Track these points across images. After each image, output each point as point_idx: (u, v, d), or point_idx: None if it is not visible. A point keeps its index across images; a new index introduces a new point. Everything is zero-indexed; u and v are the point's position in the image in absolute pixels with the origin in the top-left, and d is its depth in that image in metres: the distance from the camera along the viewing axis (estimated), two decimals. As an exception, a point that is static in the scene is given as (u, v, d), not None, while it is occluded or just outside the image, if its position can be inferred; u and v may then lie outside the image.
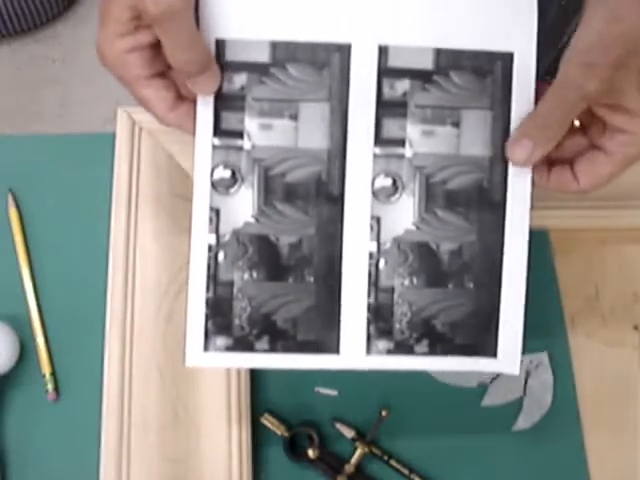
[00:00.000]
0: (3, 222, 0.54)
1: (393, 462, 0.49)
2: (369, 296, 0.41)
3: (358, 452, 0.48)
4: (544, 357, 0.52)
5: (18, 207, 0.55)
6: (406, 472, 0.49)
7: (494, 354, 0.42)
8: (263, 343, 0.41)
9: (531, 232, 0.41)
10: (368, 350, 0.41)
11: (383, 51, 0.40)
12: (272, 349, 0.41)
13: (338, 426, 0.50)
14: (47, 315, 0.52)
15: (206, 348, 0.41)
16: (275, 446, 0.49)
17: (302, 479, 0.49)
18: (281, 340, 0.41)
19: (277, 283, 0.41)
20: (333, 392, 0.51)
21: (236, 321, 0.41)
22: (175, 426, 0.46)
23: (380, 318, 0.41)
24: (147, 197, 0.51)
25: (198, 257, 0.40)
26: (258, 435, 0.49)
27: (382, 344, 0.41)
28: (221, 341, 0.41)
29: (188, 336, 0.40)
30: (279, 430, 0.49)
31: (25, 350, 0.51)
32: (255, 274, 0.41)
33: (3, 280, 0.53)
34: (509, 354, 0.42)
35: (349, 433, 0.49)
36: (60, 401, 0.50)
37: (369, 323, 0.41)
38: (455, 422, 0.51)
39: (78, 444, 0.48)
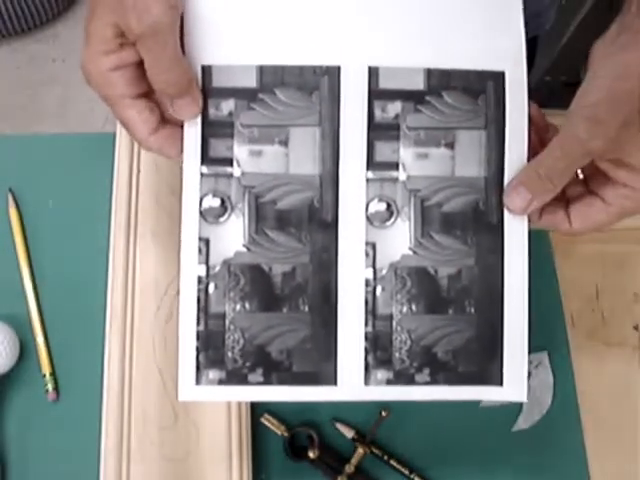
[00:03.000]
0: (3, 222, 0.54)
1: (393, 462, 0.49)
2: (366, 325, 0.40)
3: (358, 452, 0.48)
4: (544, 357, 0.52)
5: (18, 207, 0.55)
6: (406, 472, 0.49)
7: (499, 382, 0.40)
8: (257, 375, 0.40)
9: (531, 232, 0.41)
10: (367, 381, 0.40)
11: (373, 72, 0.39)
12: (267, 381, 0.40)
13: (338, 426, 0.50)
14: (47, 315, 0.52)
15: (198, 382, 0.39)
16: (275, 446, 0.49)
17: (302, 479, 0.49)
18: (276, 372, 0.40)
19: (271, 314, 0.40)
20: (333, 392, 0.51)
21: (229, 354, 0.39)
22: (175, 426, 0.46)
23: (378, 347, 0.40)
24: (147, 197, 0.51)
25: (188, 289, 0.39)
26: (258, 435, 0.49)
27: (381, 374, 0.40)
28: (214, 374, 0.39)
29: (180, 370, 0.39)
30: (279, 430, 0.49)
31: (25, 350, 0.51)
32: (248, 305, 0.40)
33: (3, 280, 0.53)
34: (515, 381, 0.40)
35: (349, 433, 0.49)
36: (60, 401, 0.50)
37: (367, 353, 0.40)
38: (455, 422, 0.51)
39: (78, 444, 0.48)
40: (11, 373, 0.49)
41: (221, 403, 0.47)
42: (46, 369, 0.50)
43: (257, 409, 0.49)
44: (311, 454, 0.48)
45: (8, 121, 1.44)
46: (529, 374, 0.52)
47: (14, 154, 0.57)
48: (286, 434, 0.49)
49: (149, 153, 0.52)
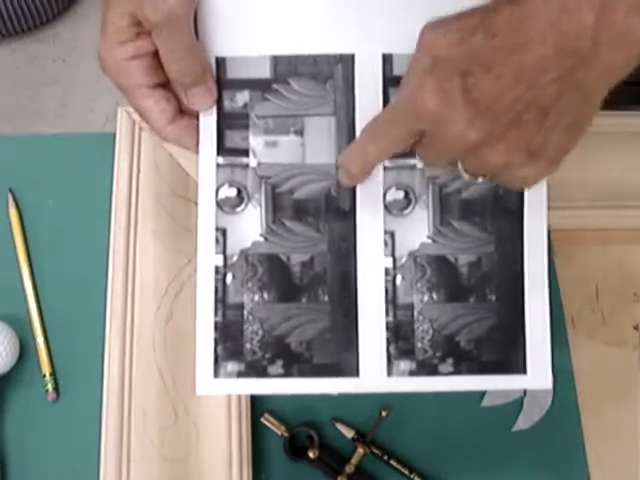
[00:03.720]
0: (3, 222, 0.54)
1: (393, 462, 0.49)
2: (387, 314, 0.40)
3: (358, 452, 0.48)
4: (544, 357, 0.52)
5: (18, 207, 0.55)
6: (406, 472, 0.49)
7: (523, 370, 0.40)
8: (277, 367, 0.39)
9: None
10: (389, 372, 0.39)
11: (387, 59, 0.39)
12: (287, 374, 0.39)
13: (338, 426, 0.49)
14: (47, 315, 0.52)
15: (216, 374, 0.39)
16: (275, 446, 0.49)
17: (302, 479, 0.49)
18: (296, 364, 0.39)
19: (290, 304, 0.39)
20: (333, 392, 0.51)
21: (247, 345, 0.39)
22: (175, 426, 0.46)
23: (400, 337, 0.39)
24: (147, 197, 0.51)
25: (205, 279, 0.39)
26: (258, 435, 0.49)
27: (404, 365, 0.40)
28: (232, 366, 0.39)
29: (197, 362, 0.39)
30: (279, 430, 0.49)
31: (25, 350, 0.51)
32: (266, 295, 0.39)
33: (3, 280, 0.53)
34: (539, 368, 0.40)
35: (349, 433, 0.49)
36: (60, 401, 0.50)
37: (389, 343, 0.39)
38: (455, 422, 0.51)
39: (78, 444, 0.48)
40: (11, 373, 0.49)
41: (221, 403, 0.47)
42: (46, 369, 0.50)
43: (257, 409, 0.49)
44: (311, 454, 0.48)
45: (8, 121, 1.44)
46: (529, 374, 0.52)
47: (14, 154, 0.57)
48: (286, 434, 0.49)
49: (149, 153, 0.52)
